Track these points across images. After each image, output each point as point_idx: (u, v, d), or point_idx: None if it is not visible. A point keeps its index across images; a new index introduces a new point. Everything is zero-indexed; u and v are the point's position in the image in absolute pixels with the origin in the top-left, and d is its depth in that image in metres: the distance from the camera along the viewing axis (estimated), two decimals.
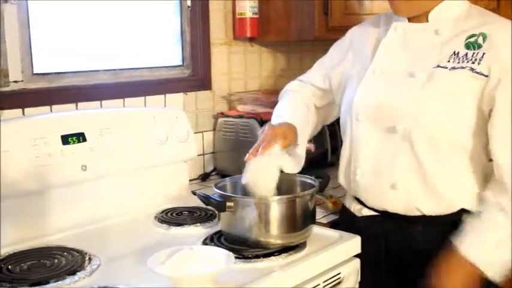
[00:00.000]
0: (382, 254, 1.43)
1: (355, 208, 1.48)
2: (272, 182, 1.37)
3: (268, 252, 1.33)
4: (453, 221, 1.35)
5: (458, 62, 1.30)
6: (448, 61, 1.31)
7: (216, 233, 1.46)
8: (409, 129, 1.31)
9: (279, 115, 1.51)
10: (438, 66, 1.32)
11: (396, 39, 1.41)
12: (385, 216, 1.41)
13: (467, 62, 1.29)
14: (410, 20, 1.40)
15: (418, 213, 1.36)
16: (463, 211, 1.35)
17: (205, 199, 1.36)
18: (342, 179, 1.51)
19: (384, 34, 1.44)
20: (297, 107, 1.57)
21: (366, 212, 1.45)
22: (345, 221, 1.52)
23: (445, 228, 1.35)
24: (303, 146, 1.47)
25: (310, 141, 1.60)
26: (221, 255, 1.23)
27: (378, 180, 1.38)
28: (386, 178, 1.36)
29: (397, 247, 1.40)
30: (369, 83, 1.41)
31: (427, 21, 1.37)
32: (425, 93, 1.31)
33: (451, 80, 1.30)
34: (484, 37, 1.30)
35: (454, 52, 1.32)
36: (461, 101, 1.30)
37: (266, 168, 1.36)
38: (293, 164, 1.41)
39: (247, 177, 1.37)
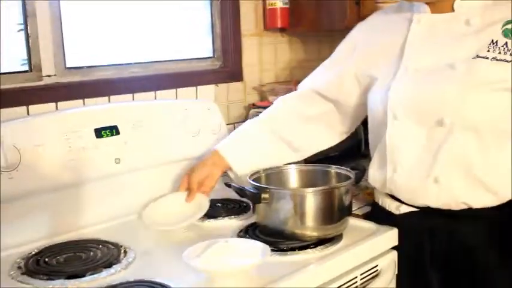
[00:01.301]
0: (426, 251, 1.37)
1: (392, 206, 1.42)
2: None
3: (304, 244, 1.31)
4: (503, 214, 1.31)
5: (500, 53, 1.26)
6: (488, 50, 1.27)
7: (250, 225, 1.44)
8: (456, 121, 1.27)
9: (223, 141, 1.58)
10: (478, 56, 1.27)
11: (422, 32, 1.36)
12: (427, 212, 1.35)
13: (511, 54, 1.25)
14: (432, 10, 1.35)
15: (464, 207, 1.31)
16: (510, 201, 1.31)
17: (241, 191, 1.35)
18: (374, 180, 1.44)
19: (403, 27, 1.39)
20: (254, 137, 1.56)
21: (405, 209, 1.39)
22: (380, 220, 1.44)
23: (495, 222, 1.31)
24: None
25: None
26: (257, 248, 1.22)
27: (419, 176, 1.33)
28: (428, 173, 1.31)
29: (444, 243, 1.35)
30: (404, 81, 1.35)
31: (452, 10, 1.32)
32: (469, 85, 1.26)
33: (495, 72, 1.26)
34: None
35: (492, 41, 1.27)
36: (506, 91, 1.26)
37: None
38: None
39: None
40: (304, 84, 1.63)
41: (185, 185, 1.51)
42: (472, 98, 1.26)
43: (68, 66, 1.71)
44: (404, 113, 1.34)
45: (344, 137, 1.64)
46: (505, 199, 1.31)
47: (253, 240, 1.30)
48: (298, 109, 1.58)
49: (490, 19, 1.29)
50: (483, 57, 1.27)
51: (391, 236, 1.40)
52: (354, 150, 2.19)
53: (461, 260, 1.33)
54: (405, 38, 1.38)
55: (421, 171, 1.32)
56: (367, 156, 2.18)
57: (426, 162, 1.32)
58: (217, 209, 1.61)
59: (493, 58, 1.26)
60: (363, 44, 1.50)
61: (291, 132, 1.57)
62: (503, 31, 1.27)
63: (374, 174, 1.44)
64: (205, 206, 1.48)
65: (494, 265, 1.32)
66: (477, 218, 1.31)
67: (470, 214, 1.31)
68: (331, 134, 1.61)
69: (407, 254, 1.39)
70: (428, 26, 1.35)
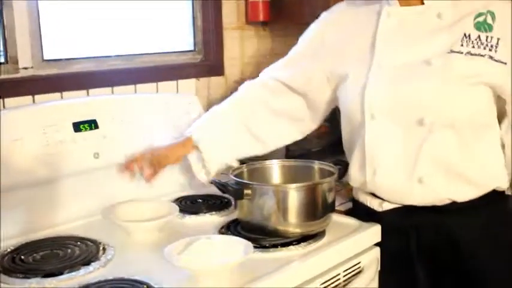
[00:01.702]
0: (412, 246, 1.36)
1: (373, 203, 1.40)
2: None
3: (287, 241, 1.30)
4: (486, 205, 1.32)
5: (473, 47, 1.25)
6: (462, 45, 1.26)
7: (232, 222, 1.42)
8: (435, 120, 1.26)
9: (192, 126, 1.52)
10: (452, 51, 1.26)
11: (392, 26, 1.32)
12: (411, 208, 1.34)
13: (484, 48, 1.25)
14: (401, 3, 1.31)
15: (448, 202, 1.32)
16: (495, 192, 1.33)
17: (222, 186, 1.33)
18: (354, 181, 1.42)
19: (372, 20, 1.35)
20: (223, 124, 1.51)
21: (388, 206, 1.38)
22: (362, 217, 1.42)
23: (479, 213, 1.31)
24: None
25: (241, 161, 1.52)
26: (240, 245, 1.20)
27: (402, 177, 1.31)
28: (412, 173, 1.30)
29: (430, 237, 1.34)
30: (379, 78, 1.31)
31: (422, 3, 1.30)
32: (447, 81, 1.25)
33: (471, 67, 1.25)
34: (493, 16, 1.26)
35: (465, 34, 1.26)
36: (483, 85, 1.27)
37: None
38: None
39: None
40: (270, 74, 1.55)
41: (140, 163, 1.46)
42: (450, 95, 1.25)
43: (45, 58, 1.67)
44: (382, 113, 1.30)
45: (309, 131, 1.60)
46: (486, 190, 1.32)
47: (236, 237, 1.28)
48: (266, 100, 1.52)
49: (462, 12, 1.28)
50: (457, 52, 1.26)
51: (374, 232, 1.39)
52: (336, 145, 2.18)
53: (448, 252, 1.33)
54: (375, 32, 1.34)
55: (404, 172, 1.31)
56: None
57: (408, 162, 1.30)
58: (198, 205, 1.59)
59: (467, 53, 1.25)
60: (331, 39, 1.44)
61: (259, 124, 1.52)
62: (475, 24, 1.27)
63: (354, 176, 1.40)
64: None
65: (482, 256, 1.32)
66: (462, 210, 1.32)
67: (454, 207, 1.32)
68: (298, 128, 1.57)
69: (392, 250, 1.38)
70: (399, 19, 1.32)
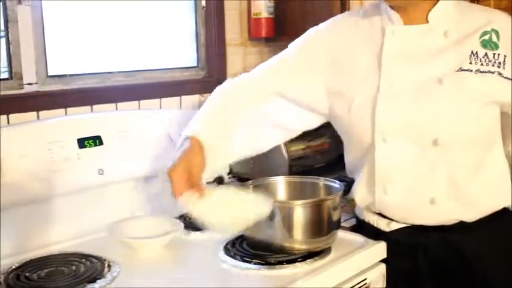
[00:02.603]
0: (422, 265, 1.35)
1: (381, 223, 1.39)
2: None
3: (293, 258, 1.29)
4: (495, 221, 1.32)
5: (482, 64, 1.25)
6: (470, 63, 1.25)
7: (237, 238, 1.41)
8: (451, 140, 1.25)
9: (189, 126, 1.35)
10: (461, 69, 1.25)
11: (398, 45, 1.29)
12: (419, 227, 1.34)
13: (493, 65, 1.25)
14: (405, 21, 1.29)
15: (457, 221, 1.31)
16: (503, 210, 1.33)
17: None
18: (360, 200, 1.40)
19: (376, 39, 1.31)
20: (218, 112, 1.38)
21: (396, 226, 1.37)
22: (369, 236, 1.40)
23: (489, 231, 1.31)
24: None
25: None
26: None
27: (414, 197, 1.30)
28: (424, 194, 1.29)
29: (440, 257, 1.33)
30: (389, 100, 1.28)
31: (427, 21, 1.28)
32: (460, 101, 1.25)
33: (482, 85, 1.25)
34: (497, 34, 1.26)
35: (473, 52, 1.26)
36: (493, 103, 1.27)
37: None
38: None
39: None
40: (262, 78, 1.44)
41: (180, 184, 1.23)
42: (464, 113, 1.25)
43: (49, 74, 1.67)
44: (394, 135, 1.28)
45: (289, 139, 1.52)
46: (494, 209, 1.32)
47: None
48: (255, 106, 1.40)
49: (466, 30, 1.28)
50: (467, 70, 1.25)
51: (379, 248, 1.38)
52: (339, 161, 2.18)
53: (458, 270, 1.33)
54: (379, 51, 1.30)
55: (416, 192, 1.30)
56: None
57: (421, 183, 1.29)
58: None
59: (477, 70, 1.25)
60: (333, 52, 1.37)
61: (245, 127, 1.40)
62: (481, 42, 1.27)
63: (361, 195, 1.39)
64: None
65: (491, 273, 1.31)
66: (470, 228, 1.31)
67: (462, 226, 1.31)
68: (280, 134, 1.47)
69: (401, 269, 1.37)
70: (404, 39, 1.29)
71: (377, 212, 1.39)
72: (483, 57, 1.25)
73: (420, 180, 1.29)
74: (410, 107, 1.28)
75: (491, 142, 1.31)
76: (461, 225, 1.31)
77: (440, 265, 1.34)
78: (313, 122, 1.47)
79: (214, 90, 1.46)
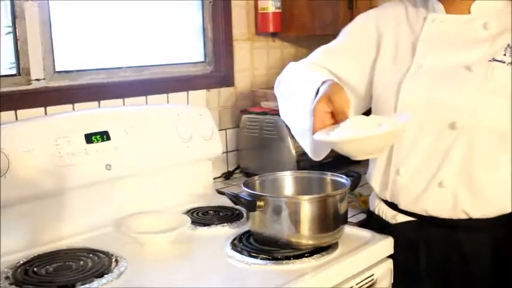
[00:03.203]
0: (422, 261, 1.34)
1: (388, 215, 1.40)
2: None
3: (300, 253, 1.29)
4: (503, 225, 1.29)
5: None
6: (504, 54, 1.25)
7: (244, 233, 1.42)
8: (468, 125, 1.24)
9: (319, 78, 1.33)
10: (494, 59, 1.26)
11: (436, 31, 1.33)
12: (424, 221, 1.33)
13: None
14: (448, 10, 1.33)
15: (464, 216, 1.29)
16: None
17: (235, 198, 1.32)
18: (375, 181, 1.41)
19: (416, 24, 1.36)
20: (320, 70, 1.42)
21: (402, 218, 1.37)
22: (376, 229, 1.41)
23: (494, 234, 1.29)
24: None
25: None
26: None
27: (424, 178, 1.30)
28: (434, 176, 1.29)
29: (441, 253, 1.33)
30: (415, 79, 1.31)
31: (469, 12, 1.31)
32: (486, 88, 1.24)
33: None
34: None
35: (508, 45, 1.26)
36: None
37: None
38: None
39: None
40: (315, 61, 1.49)
41: (321, 117, 1.22)
42: (487, 102, 1.24)
43: (57, 70, 1.68)
44: (414, 114, 1.28)
45: None
46: (503, 211, 1.29)
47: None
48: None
49: (506, 24, 1.28)
50: (500, 61, 1.25)
51: (386, 244, 1.38)
52: (342, 157, 2.17)
53: (458, 270, 1.31)
54: (417, 35, 1.34)
55: (426, 174, 1.30)
56: (359, 162, 2.18)
57: (432, 165, 1.29)
58: (209, 217, 1.58)
59: (510, 63, 1.25)
60: (378, 32, 1.42)
61: None
62: None
63: (375, 176, 1.41)
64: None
65: (492, 275, 1.30)
66: (475, 228, 1.29)
67: (467, 225, 1.30)
68: None
69: (403, 264, 1.37)
70: (443, 25, 1.32)
71: (388, 198, 1.39)
72: None
73: (432, 163, 1.29)
74: (433, 88, 1.29)
75: None
76: (467, 223, 1.29)
77: (441, 263, 1.33)
78: (356, 109, 1.47)
79: (285, 71, 1.52)
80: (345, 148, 1.19)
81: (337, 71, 1.45)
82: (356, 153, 1.21)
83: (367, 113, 1.44)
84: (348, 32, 1.50)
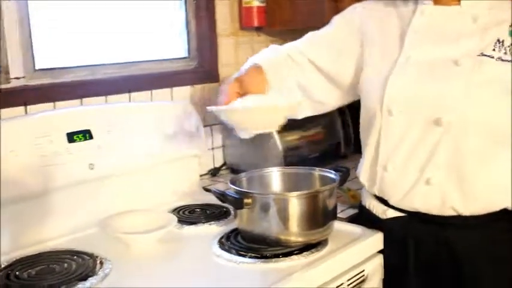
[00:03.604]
0: (410, 258, 1.32)
1: (378, 210, 1.38)
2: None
3: (289, 251, 1.26)
4: (493, 222, 1.27)
5: (505, 53, 1.23)
6: (493, 49, 1.23)
7: (232, 231, 1.39)
8: (454, 121, 1.22)
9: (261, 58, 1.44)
10: (483, 54, 1.23)
11: (425, 23, 1.30)
12: (414, 217, 1.31)
13: None
14: (437, 1, 1.30)
15: (453, 213, 1.27)
16: (505, 212, 1.27)
17: (222, 196, 1.29)
18: (364, 177, 1.39)
19: (405, 17, 1.34)
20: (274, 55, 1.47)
21: (392, 214, 1.34)
22: (366, 224, 1.40)
23: (486, 232, 1.27)
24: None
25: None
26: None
27: (411, 175, 1.28)
28: (421, 173, 1.27)
29: (429, 251, 1.30)
30: (403, 73, 1.29)
31: (458, 3, 1.28)
32: (474, 84, 1.22)
33: (502, 73, 1.22)
34: None
35: (499, 40, 1.24)
36: (509, 94, 1.22)
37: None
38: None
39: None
40: (296, 48, 1.50)
41: (231, 93, 1.33)
42: (474, 97, 1.21)
43: (37, 67, 1.63)
44: (400, 110, 1.28)
45: (320, 112, 1.55)
46: (494, 208, 1.27)
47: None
48: (295, 77, 1.47)
49: (497, 18, 1.26)
50: (488, 56, 1.23)
51: (377, 239, 1.36)
52: (334, 151, 2.16)
53: (447, 268, 1.29)
54: (406, 27, 1.32)
55: (413, 171, 1.28)
56: (346, 157, 2.17)
57: (419, 162, 1.27)
58: (196, 215, 1.56)
59: (498, 58, 1.22)
60: (364, 24, 1.42)
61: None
62: (510, 32, 1.24)
63: (365, 171, 1.38)
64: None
65: (482, 274, 1.28)
66: (465, 226, 1.27)
67: (457, 222, 1.27)
68: (312, 106, 1.51)
69: (392, 260, 1.35)
70: (433, 17, 1.30)
71: (377, 193, 1.37)
72: (508, 46, 1.23)
73: (419, 160, 1.27)
74: (419, 83, 1.27)
75: (505, 137, 1.24)
76: (457, 220, 1.27)
77: (430, 260, 1.31)
78: (337, 99, 1.51)
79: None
80: (234, 118, 1.29)
81: (317, 61, 1.47)
82: (243, 125, 1.30)
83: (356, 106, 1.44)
84: (335, 23, 1.50)
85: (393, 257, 1.35)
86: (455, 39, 1.26)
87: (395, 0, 1.39)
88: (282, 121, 1.30)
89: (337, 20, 1.49)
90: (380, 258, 1.37)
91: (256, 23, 2.17)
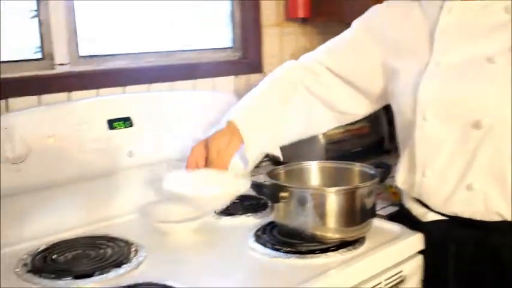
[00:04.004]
0: (451, 262, 1.26)
1: (418, 212, 1.32)
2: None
3: (325, 247, 1.23)
4: None
5: None
6: None
7: (268, 224, 1.37)
8: (495, 124, 1.15)
9: (231, 111, 1.34)
10: None
11: (453, 22, 1.22)
12: (455, 221, 1.25)
13: None
14: None
15: (498, 218, 1.20)
16: None
17: (257, 188, 1.27)
18: (401, 182, 1.33)
19: (431, 14, 1.25)
20: (266, 97, 1.37)
21: (433, 217, 1.28)
22: (406, 224, 1.35)
23: None
24: (253, 148, 1.30)
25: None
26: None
27: (451, 181, 1.22)
28: (462, 178, 1.20)
29: (471, 255, 1.24)
30: (435, 77, 1.21)
31: None
32: (510, 81, 1.14)
33: None
34: None
35: None
36: None
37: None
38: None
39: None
40: (315, 59, 1.42)
41: (196, 158, 1.28)
42: None
43: (81, 54, 1.65)
44: (435, 114, 1.21)
45: (348, 122, 1.49)
46: None
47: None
48: (308, 85, 1.40)
49: None
50: None
51: (417, 239, 1.31)
52: (377, 146, 2.11)
53: (490, 275, 1.23)
54: (434, 27, 1.24)
55: (453, 177, 1.21)
56: (390, 152, 2.11)
57: (459, 167, 1.20)
58: (234, 206, 1.53)
59: None
60: (386, 27, 1.34)
61: (297, 110, 1.38)
62: None
63: (402, 177, 1.32)
64: (245, 184, 1.28)
65: None
66: (510, 232, 1.20)
67: (503, 227, 1.20)
68: (337, 118, 1.45)
69: (431, 263, 1.30)
70: (461, 14, 1.22)
71: (416, 197, 1.31)
72: None
73: (458, 165, 1.21)
74: (453, 85, 1.20)
75: None
76: (503, 225, 1.20)
77: (471, 265, 1.24)
78: (365, 106, 1.44)
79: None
80: (178, 199, 1.28)
81: (338, 69, 1.40)
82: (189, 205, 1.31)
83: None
84: (355, 27, 1.41)
85: (432, 259, 1.30)
86: (488, 34, 1.18)
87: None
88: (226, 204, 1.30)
89: (357, 25, 1.41)
90: (420, 259, 1.32)
91: (301, 14, 2.14)
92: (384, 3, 1.40)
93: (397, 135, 1.37)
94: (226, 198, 1.28)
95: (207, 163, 1.27)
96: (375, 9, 1.40)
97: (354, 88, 1.40)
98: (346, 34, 1.43)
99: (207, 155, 1.27)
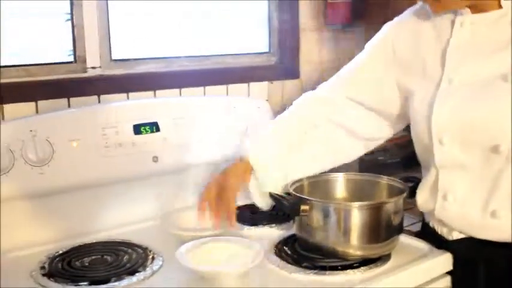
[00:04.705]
0: (481, 280, 1.19)
1: (443, 230, 1.25)
2: None
3: (347, 264, 1.19)
4: None
5: None
6: None
7: (290, 237, 1.33)
8: None
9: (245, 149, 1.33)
10: None
11: (466, 37, 1.15)
12: (484, 240, 1.17)
13: None
14: (473, 10, 1.14)
15: None
16: None
17: (277, 201, 1.24)
18: (422, 205, 1.26)
19: (443, 29, 1.19)
20: (283, 137, 1.35)
21: (458, 235, 1.22)
22: (431, 242, 1.28)
23: None
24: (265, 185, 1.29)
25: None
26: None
27: (475, 207, 1.15)
28: (485, 205, 1.13)
29: (504, 275, 1.17)
30: (447, 97, 1.14)
31: (500, 7, 1.11)
32: None
33: None
34: None
35: None
36: None
37: None
38: None
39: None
40: (334, 89, 1.39)
41: (207, 198, 1.29)
42: None
43: (113, 58, 1.65)
44: (452, 139, 1.14)
45: (375, 146, 1.44)
46: None
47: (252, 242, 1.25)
48: (330, 118, 1.36)
49: None
50: None
51: (445, 259, 1.24)
52: (414, 157, 2.03)
53: None
54: (446, 44, 1.17)
55: (476, 203, 1.14)
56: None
57: (482, 193, 1.13)
58: (258, 215, 1.51)
59: None
60: (399, 47, 1.29)
61: (319, 143, 1.36)
62: None
63: (423, 199, 1.25)
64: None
65: None
66: None
67: None
68: (363, 144, 1.41)
69: (460, 282, 1.24)
70: (473, 29, 1.15)
71: (437, 219, 1.25)
72: None
73: (481, 190, 1.14)
74: (467, 107, 1.13)
75: None
76: None
77: (502, 282, 1.17)
78: (389, 129, 1.40)
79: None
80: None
81: (358, 97, 1.35)
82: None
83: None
84: (368, 51, 1.36)
85: (461, 280, 1.23)
86: (501, 49, 1.10)
87: (425, 14, 1.24)
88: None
89: (370, 48, 1.36)
90: (447, 281, 1.25)
91: (341, 20, 2.08)
92: (395, 20, 1.34)
93: (418, 156, 1.31)
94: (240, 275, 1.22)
95: (219, 199, 1.28)
96: (386, 28, 1.34)
97: (375, 112, 1.35)
98: (359, 59, 1.38)
99: (219, 190, 1.28)
